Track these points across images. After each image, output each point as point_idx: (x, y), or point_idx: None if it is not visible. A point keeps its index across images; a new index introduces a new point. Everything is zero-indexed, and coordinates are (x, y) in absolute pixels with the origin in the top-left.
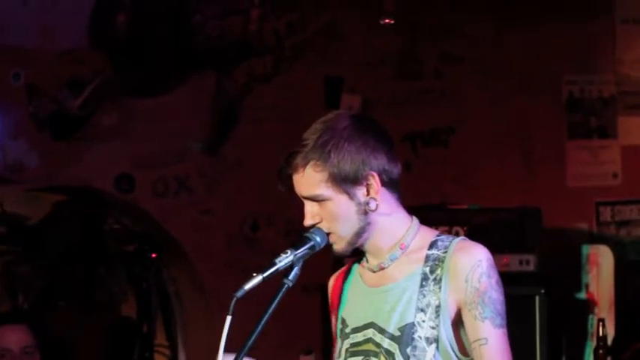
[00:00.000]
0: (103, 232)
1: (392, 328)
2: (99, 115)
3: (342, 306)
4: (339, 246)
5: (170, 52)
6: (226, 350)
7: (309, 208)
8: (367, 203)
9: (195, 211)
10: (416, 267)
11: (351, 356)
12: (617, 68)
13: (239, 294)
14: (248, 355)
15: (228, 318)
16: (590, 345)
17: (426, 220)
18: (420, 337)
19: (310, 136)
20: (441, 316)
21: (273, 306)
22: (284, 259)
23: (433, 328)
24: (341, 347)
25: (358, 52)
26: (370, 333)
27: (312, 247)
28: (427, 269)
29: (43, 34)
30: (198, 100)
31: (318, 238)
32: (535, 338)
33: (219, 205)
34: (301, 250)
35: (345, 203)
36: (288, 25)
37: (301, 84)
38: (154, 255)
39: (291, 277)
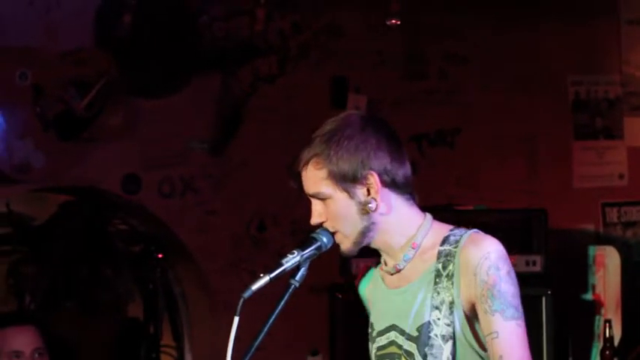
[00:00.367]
0: (109, 232)
1: (410, 329)
2: (105, 116)
3: (371, 310)
4: (345, 246)
5: (176, 53)
6: (234, 351)
7: (315, 206)
8: (368, 203)
9: (201, 212)
10: (429, 265)
11: None
12: (623, 69)
13: (246, 294)
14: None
15: (236, 319)
16: (597, 346)
17: None
18: (437, 336)
19: (317, 133)
20: (455, 313)
21: (280, 306)
22: (291, 260)
23: (448, 325)
24: (370, 351)
25: (363, 53)
26: (393, 335)
27: (319, 248)
28: (440, 266)
29: (48, 34)
30: (203, 101)
31: (324, 239)
32: (542, 339)
33: (225, 206)
34: (308, 251)
35: (345, 202)
36: (294, 25)
37: (306, 84)
38: (160, 255)
39: (297, 277)
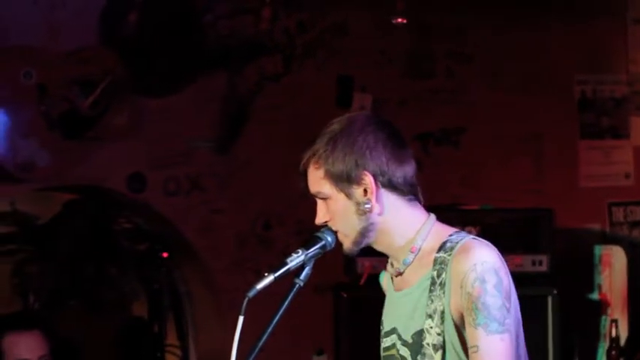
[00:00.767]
0: (114, 231)
1: (406, 335)
2: (110, 115)
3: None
4: (346, 245)
5: (181, 51)
6: (238, 350)
7: (320, 206)
8: (364, 204)
9: (206, 211)
10: (426, 271)
11: None
12: (629, 68)
13: (251, 294)
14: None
15: (241, 318)
16: (603, 346)
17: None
18: (429, 345)
19: (321, 133)
20: (446, 322)
21: (285, 306)
22: (295, 259)
23: (439, 334)
24: (380, 350)
25: (369, 52)
26: (394, 339)
27: (323, 247)
28: (435, 273)
29: (53, 33)
30: (208, 99)
31: (329, 238)
32: (547, 339)
33: (230, 205)
34: (312, 250)
35: (343, 202)
36: (299, 24)
37: (312, 83)
38: (165, 254)
39: (302, 276)
